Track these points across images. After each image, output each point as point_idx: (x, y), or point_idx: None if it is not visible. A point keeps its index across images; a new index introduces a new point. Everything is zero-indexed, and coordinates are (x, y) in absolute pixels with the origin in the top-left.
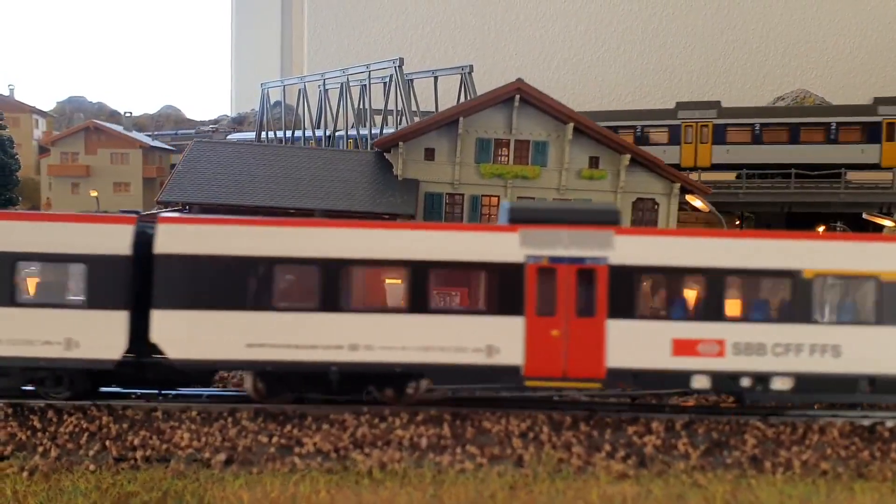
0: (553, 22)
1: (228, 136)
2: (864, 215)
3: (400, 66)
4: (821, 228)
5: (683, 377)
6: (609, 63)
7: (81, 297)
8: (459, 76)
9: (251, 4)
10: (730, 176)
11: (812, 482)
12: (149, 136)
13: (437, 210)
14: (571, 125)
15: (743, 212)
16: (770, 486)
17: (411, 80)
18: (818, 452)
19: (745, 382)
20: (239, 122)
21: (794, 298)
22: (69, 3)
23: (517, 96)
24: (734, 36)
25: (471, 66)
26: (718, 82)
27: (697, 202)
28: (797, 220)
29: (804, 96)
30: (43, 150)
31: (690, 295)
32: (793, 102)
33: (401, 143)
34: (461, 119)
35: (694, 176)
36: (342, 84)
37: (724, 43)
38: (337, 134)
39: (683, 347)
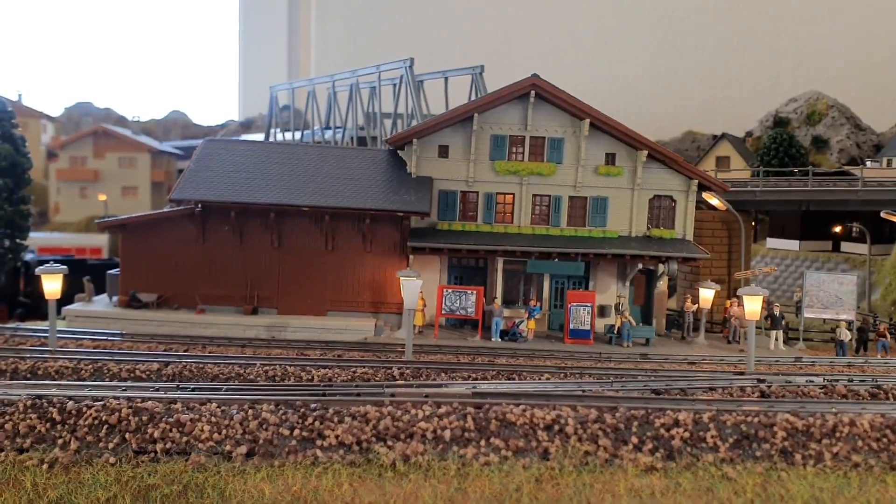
0: (564, 23)
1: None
2: (882, 214)
3: (410, 67)
4: (837, 228)
5: None
6: (620, 64)
7: None
8: (470, 77)
9: (258, 9)
10: (746, 174)
11: (844, 474)
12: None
13: (452, 208)
14: (587, 121)
15: (756, 211)
16: (801, 478)
17: (421, 82)
18: (849, 444)
19: None
20: (247, 126)
21: None
22: (76, 10)
23: (532, 92)
24: (746, 38)
25: (482, 67)
26: (730, 84)
27: (714, 200)
28: (813, 219)
29: (817, 98)
30: (51, 155)
31: None
32: (805, 104)
33: (414, 141)
34: (476, 115)
35: None
36: (352, 86)
37: (735, 45)
38: (332, 135)
39: None
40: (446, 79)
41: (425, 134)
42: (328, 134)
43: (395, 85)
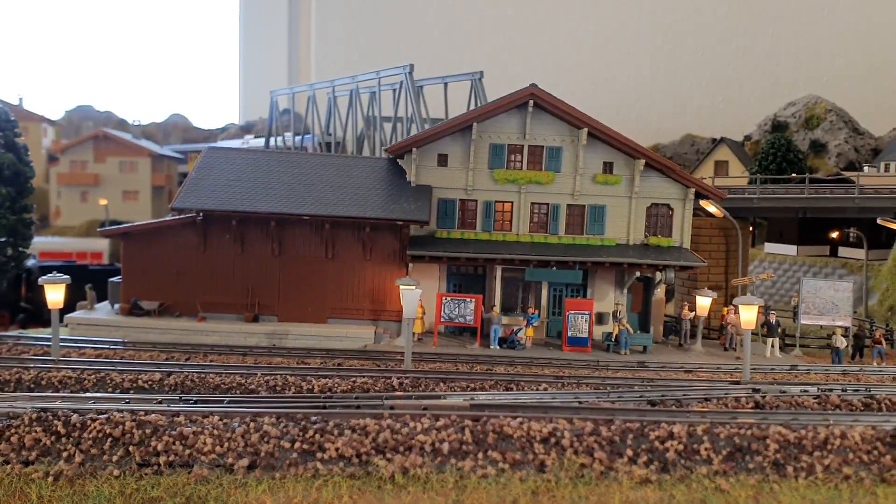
0: (564, 26)
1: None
2: (879, 220)
3: (410, 73)
4: (834, 233)
5: None
6: (620, 67)
7: None
8: (470, 82)
9: (258, 14)
10: (744, 180)
11: (835, 487)
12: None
13: (451, 216)
14: (585, 130)
15: (755, 218)
16: (793, 490)
17: (421, 87)
18: (840, 457)
19: None
20: (247, 130)
21: None
22: (77, 14)
23: (531, 101)
24: (745, 41)
25: (481, 73)
26: (729, 87)
27: (711, 207)
28: (811, 224)
29: (815, 102)
30: (52, 159)
31: None
32: (804, 108)
33: (414, 149)
34: (475, 124)
35: None
36: (352, 91)
37: (734, 48)
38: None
39: None
40: (446, 84)
41: (424, 143)
42: (297, 140)
43: (394, 90)
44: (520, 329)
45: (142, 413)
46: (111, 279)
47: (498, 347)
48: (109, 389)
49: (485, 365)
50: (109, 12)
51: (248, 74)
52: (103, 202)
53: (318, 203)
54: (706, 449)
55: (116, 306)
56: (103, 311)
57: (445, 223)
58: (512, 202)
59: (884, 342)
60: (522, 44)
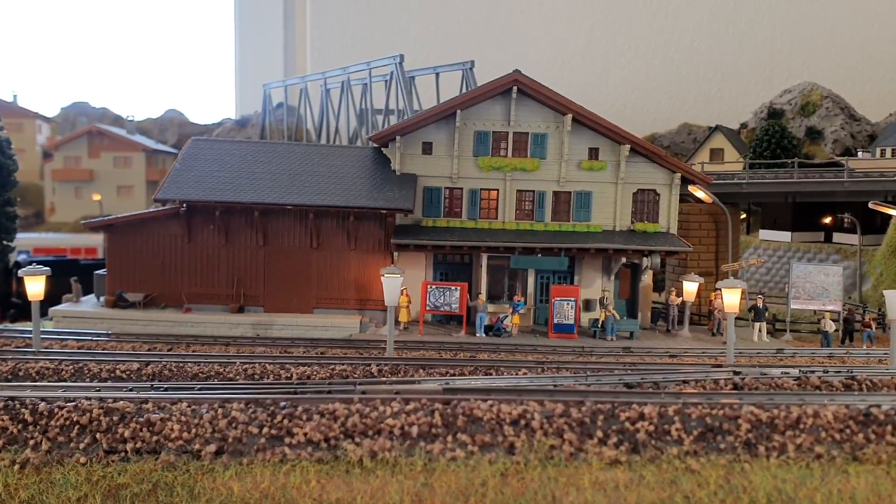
0: (559, 15)
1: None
2: (870, 204)
3: (401, 63)
4: (827, 220)
5: None
6: (614, 60)
7: None
8: (461, 73)
9: (253, 8)
10: (738, 166)
11: (806, 466)
12: None
13: (436, 204)
14: (570, 116)
15: (749, 203)
16: (764, 470)
17: (413, 78)
18: (812, 436)
19: None
20: (242, 125)
21: None
22: (72, 10)
23: (515, 88)
24: (741, 29)
25: (472, 62)
26: (726, 75)
27: (700, 193)
28: (805, 210)
29: (811, 89)
30: (47, 156)
31: None
32: (799, 95)
33: (398, 138)
34: (458, 112)
35: None
36: (343, 83)
37: (730, 36)
38: None
39: None
40: (437, 74)
41: (408, 131)
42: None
43: (386, 81)
44: (506, 316)
45: (110, 400)
46: (97, 271)
47: (484, 335)
48: (87, 379)
49: (468, 352)
50: (105, 9)
51: (243, 69)
52: (97, 198)
53: (303, 193)
54: (677, 429)
55: (102, 298)
56: (89, 303)
57: (431, 211)
58: (497, 190)
59: (873, 326)
60: (516, 34)
